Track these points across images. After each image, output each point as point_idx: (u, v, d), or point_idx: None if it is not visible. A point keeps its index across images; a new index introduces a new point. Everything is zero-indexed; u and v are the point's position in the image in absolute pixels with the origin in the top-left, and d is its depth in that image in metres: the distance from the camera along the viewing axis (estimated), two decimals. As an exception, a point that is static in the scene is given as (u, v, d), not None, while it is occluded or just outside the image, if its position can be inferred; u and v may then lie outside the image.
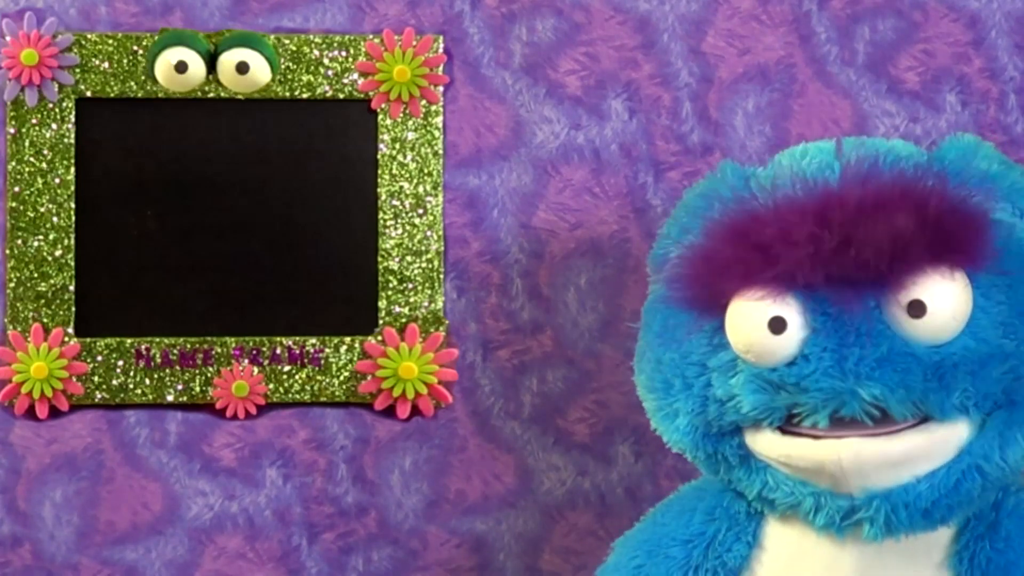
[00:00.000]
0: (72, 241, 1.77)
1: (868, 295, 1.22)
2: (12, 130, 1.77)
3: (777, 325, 1.24)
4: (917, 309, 1.21)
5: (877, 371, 1.21)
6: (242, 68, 1.73)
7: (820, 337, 1.23)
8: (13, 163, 1.77)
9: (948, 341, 1.22)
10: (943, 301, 1.21)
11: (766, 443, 1.29)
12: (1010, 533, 1.28)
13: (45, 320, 1.76)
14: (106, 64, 1.77)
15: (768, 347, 1.25)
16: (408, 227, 1.79)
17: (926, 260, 1.21)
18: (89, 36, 1.77)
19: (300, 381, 1.79)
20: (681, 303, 1.33)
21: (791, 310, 1.24)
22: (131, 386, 1.77)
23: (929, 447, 1.24)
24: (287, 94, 1.78)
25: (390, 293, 1.79)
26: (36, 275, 1.77)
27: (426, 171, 1.80)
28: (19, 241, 1.77)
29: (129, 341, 1.77)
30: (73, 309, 1.77)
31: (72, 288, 1.77)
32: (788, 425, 1.27)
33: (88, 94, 1.77)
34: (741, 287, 1.26)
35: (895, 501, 1.24)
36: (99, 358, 1.77)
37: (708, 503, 1.40)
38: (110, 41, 1.77)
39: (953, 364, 1.22)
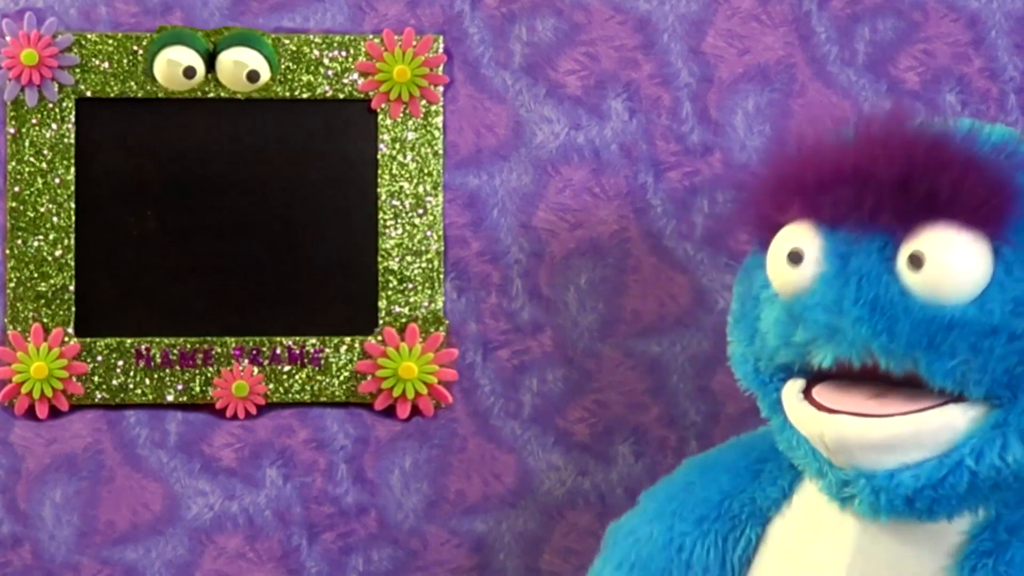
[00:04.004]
0: (72, 241, 1.77)
1: (884, 241, 1.24)
2: (12, 130, 1.77)
3: (795, 257, 1.28)
4: (915, 261, 1.22)
5: (867, 313, 1.23)
6: (253, 77, 1.73)
7: (828, 274, 1.26)
8: (13, 163, 1.77)
9: (953, 303, 1.22)
10: (944, 258, 1.21)
11: (787, 401, 1.33)
12: (1015, 559, 1.26)
13: (45, 320, 1.76)
14: (106, 64, 1.77)
15: (786, 277, 1.29)
16: (408, 227, 1.79)
17: (936, 215, 1.21)
18: (89, 36, 1.77)
19: (300, 381, 1.79)
20: (735, 230, 1.45)
21: (811, 245, 1.27)
22: (131, 386, 1.78)
23: (917, 436, 1.24)
24: (287, 94, 1.78)
25: (390, 293, 1.79)
26: (36, 275, 1.77)
27: (426, 171, 1.80)
28: (19, 241, 1.77)
29: (129, 341, 1.77)
30: (73, 309, 1.77)
31: (72, 288, 1.77)
32: (808, 386, 1.31)
33: (88, 94, 1.77)
34: (777, 218, 1.32)
35: (877, 484, 1.25)
36: (99, 358, 1.77)
37: (769, 445, 1.45)
38: (110, 41, 1.77)
39: (946, 326, 1.22)
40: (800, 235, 1.29)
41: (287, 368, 1.79)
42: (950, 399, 1.25)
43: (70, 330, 1.77)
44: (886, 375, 1.25)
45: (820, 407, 1.28)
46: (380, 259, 1.79)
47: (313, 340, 1.79)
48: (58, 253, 1.77)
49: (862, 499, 1.27)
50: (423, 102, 1.79)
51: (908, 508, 1.26)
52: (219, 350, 1.78)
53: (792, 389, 1.33)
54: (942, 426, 1.24)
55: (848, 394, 1.28)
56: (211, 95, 1.77)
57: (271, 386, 1.79)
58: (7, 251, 1.77)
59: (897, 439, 1.24)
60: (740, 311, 1.40)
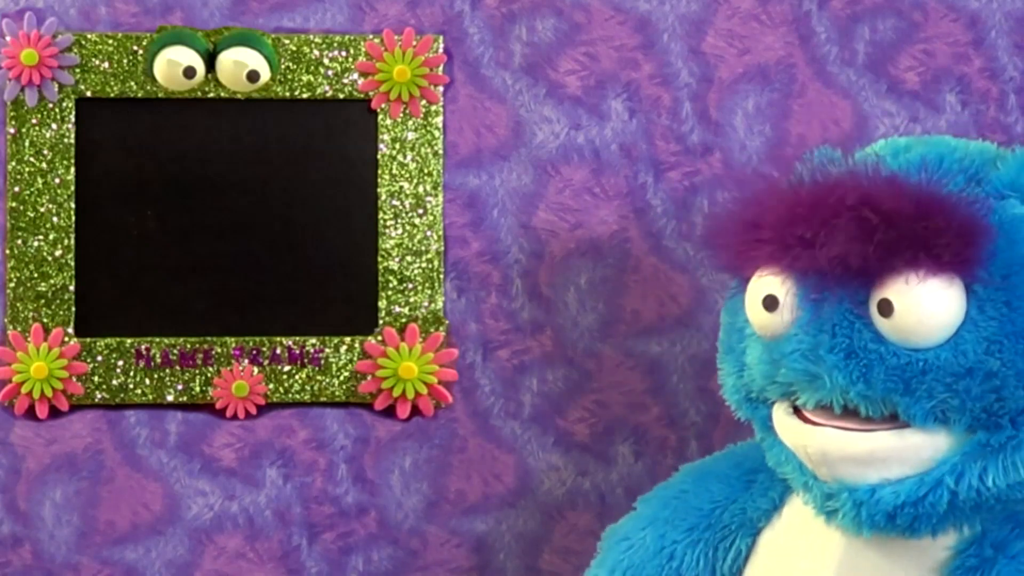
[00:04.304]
0: (72, 241, 1.77)
1: (855, 287, 1.24)
2: (12, 130, 1.77)
3: (770, 303, 1.28)
4: (885, 308, 1.22)
5: (843, 361, 1.24)
6: (253, 77, 1.73)
7: (803, 320, 1.27)
8: (13, 163, 1.77)
9: (926, 347, 1.22)
10: (913, 303, 1.21)
11: (777, 418, 1.33)
12: (1000, 575, 1.25)
13: (45, 320, 1.76)
14: (106, 64, 1.77)
15: (763, 321, 1.30)
16: (408, 227, 1.79)
17: (903, 261, 1.21)
18: (89, 36, 1.77)
19: (300, 381, 1.79)
20: (714, 264, 1.46)
21: (785, 291, 1.28)
22: (131, 386, 1.78)
23: (899, 451, 1.24)
24: (287, 94, 1.78)
25: (390, 293, 1.79)
26: (36, 275, 1.77)
27: (426, 171, 1.80)
28: (19, 241, 1.77)
29: (129, 341, 1.77)
30: (73, 309, 1.77)
31: (72, 288, 1.77)
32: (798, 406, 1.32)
33: (88, 94, 1.77)
34: (749, 268, 1.32)
35: (859, 498, 1.26)
36: (99, 358, 1.77)
37: (763, 456, 1.45)
38: (110, 41, 1.77)
39: (921, 371, 1.22)
40: (774, 282, 1.29)
41: (287, 368, 1.79)
42: None
43: (70, 330, 1.77)
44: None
45: (806, 420, 1.29)
46: (380, 259, 1.79)
47: (313, 340, 1.79)
48: (58, 253, 1.77)
49: (844, 513, 1.27)
50: (423, 102, 1.79)
51: (890, 524, 1.26)
52: (219, 350, 1.78)
53: (783, 405, 1.33)
54: (924, 444, 1.24)
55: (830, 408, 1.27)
56: (211, 95, 1.77)
57: (271, 386, 1.79)
58: (7, 251, 1.77)
59: (878, 453, 1.25)
60: (727, 343, 1.41)
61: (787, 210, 1.26)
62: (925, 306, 1.21)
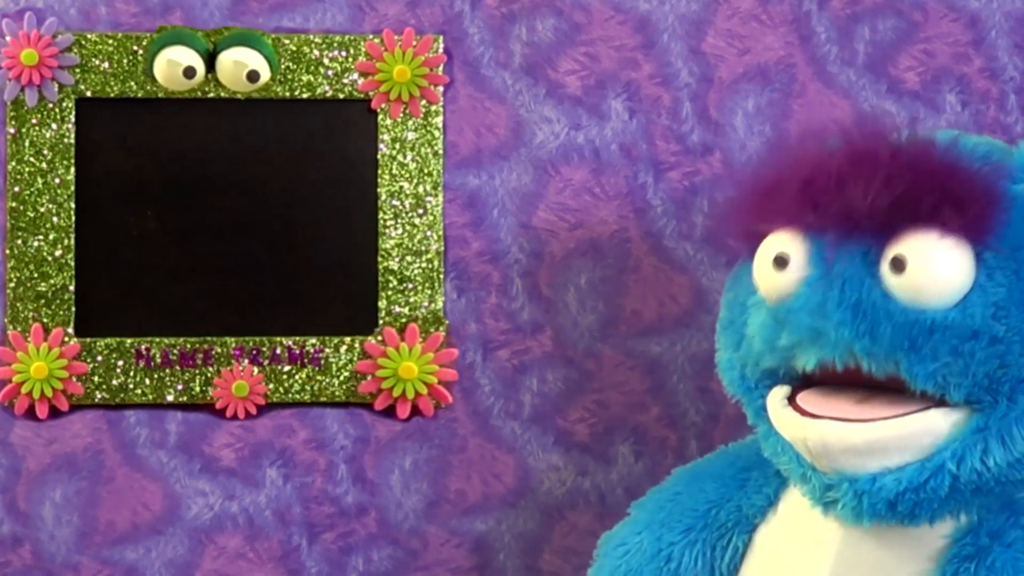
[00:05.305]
0: (72, 241, 1.77)
1: (868, 245, 1.25)
2: (12, 130, 1.77)
3: (780, 261, 1.29)
4: (897, 264, 1.23)
5: (850, 316, 1.24)
6: (253, 77, 1.73)
7: (812, 278, 1.27)
8: (13, 163, 1.77)
9: (934, 307, 1.23)
10: (925, 261, 1.22)
11: (772, 407, 1.33)
12: (995, 563, 1.26)
13: (45, 320, 1.76)
14: (106, 64, 1.77)
15: (772, 282, 1.30)
16: (408, 227, 1.79)
17: (919, 220, 1.23)
18: (89, 36, 1.77)
19: (300, 381, 1.79)
20: (723, 239, 1.47)
21: (797, 250, 1.29)
22: (131, 386, 1.78)
23: (900, 440, 1.25)
24: (287, 94, 1.78)
25: (390, 293, 1.79)
26: (36, 275, 1.77)
27: (426, 171, 1.80)
28: (19, 241, 1.77)
29: (129, 341, 1.77)
30: (73, 309, 1.77)
31: (72, 288, 1.77)
32: (793, 393, 1.33)
33: (88, 94, 1.77)
34: (764, 227, 1.33)
35: (860, 488, 1.26)
36: (99, 358, 1.77)
37: (756, 454, 1.45)
38: (110, 41, 1.77)
39: (928, 330, 1.23)
40: (786, 241, 1.30)
41: (287, 368, 1.79)
42: (932, 404, 1.26)
43: (70, 330, 1.77)
44: (869, 380, 1.26)
45: (803, 412, 1.29)
46: (380, 259, 1.79)
47: (313, 340, 1.79)
48: (58, 253, 1.77)
49: (845, 503, 1.27)
50: (423, 102, 1.79)
51: (890, 512, 1.26)
52: (219, 350, 1.78)
53: (777, 395, 1.33)
54: (924, 430, 1.25)
55: (831, 400, 1.29)
56: (211, 95, 1.77)
57: (271, 386, 1.79)
58: (7, 251, 1.77)
59: (879, 443, 1.25)
60: (728, 318, 1.41)
61: (806, 170, 1.28)
62: (937, 265, 1.22)
